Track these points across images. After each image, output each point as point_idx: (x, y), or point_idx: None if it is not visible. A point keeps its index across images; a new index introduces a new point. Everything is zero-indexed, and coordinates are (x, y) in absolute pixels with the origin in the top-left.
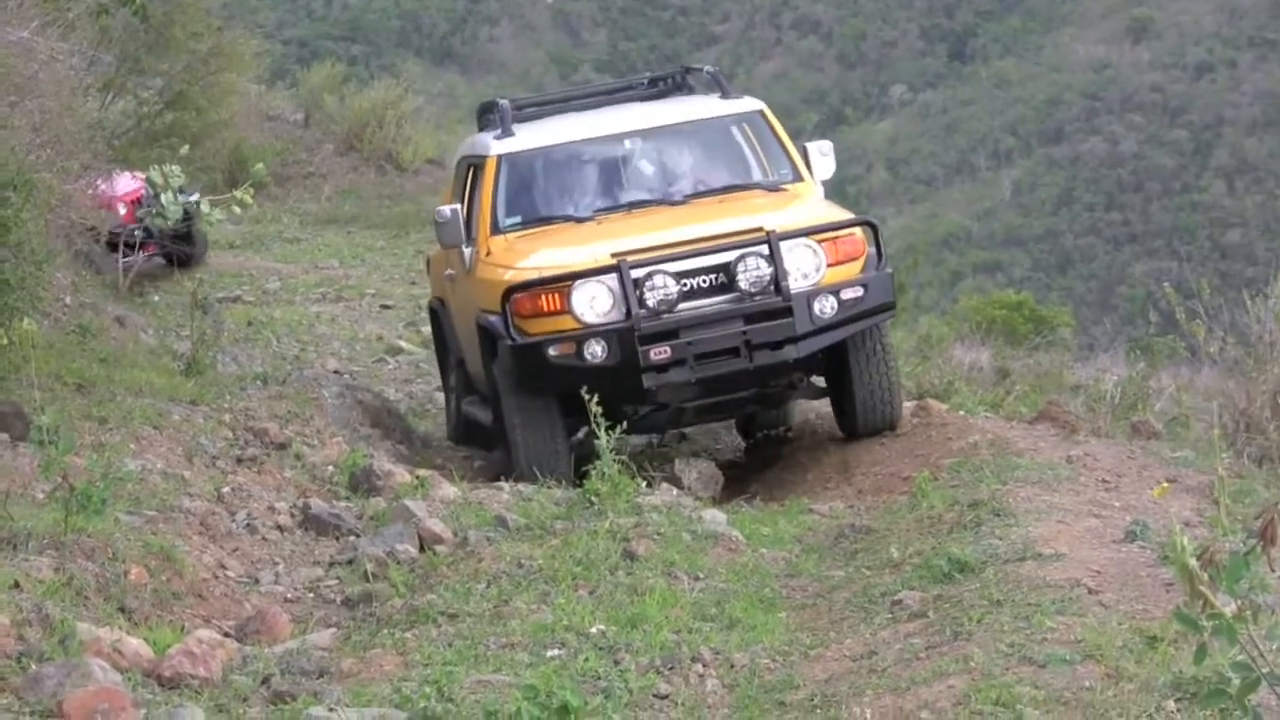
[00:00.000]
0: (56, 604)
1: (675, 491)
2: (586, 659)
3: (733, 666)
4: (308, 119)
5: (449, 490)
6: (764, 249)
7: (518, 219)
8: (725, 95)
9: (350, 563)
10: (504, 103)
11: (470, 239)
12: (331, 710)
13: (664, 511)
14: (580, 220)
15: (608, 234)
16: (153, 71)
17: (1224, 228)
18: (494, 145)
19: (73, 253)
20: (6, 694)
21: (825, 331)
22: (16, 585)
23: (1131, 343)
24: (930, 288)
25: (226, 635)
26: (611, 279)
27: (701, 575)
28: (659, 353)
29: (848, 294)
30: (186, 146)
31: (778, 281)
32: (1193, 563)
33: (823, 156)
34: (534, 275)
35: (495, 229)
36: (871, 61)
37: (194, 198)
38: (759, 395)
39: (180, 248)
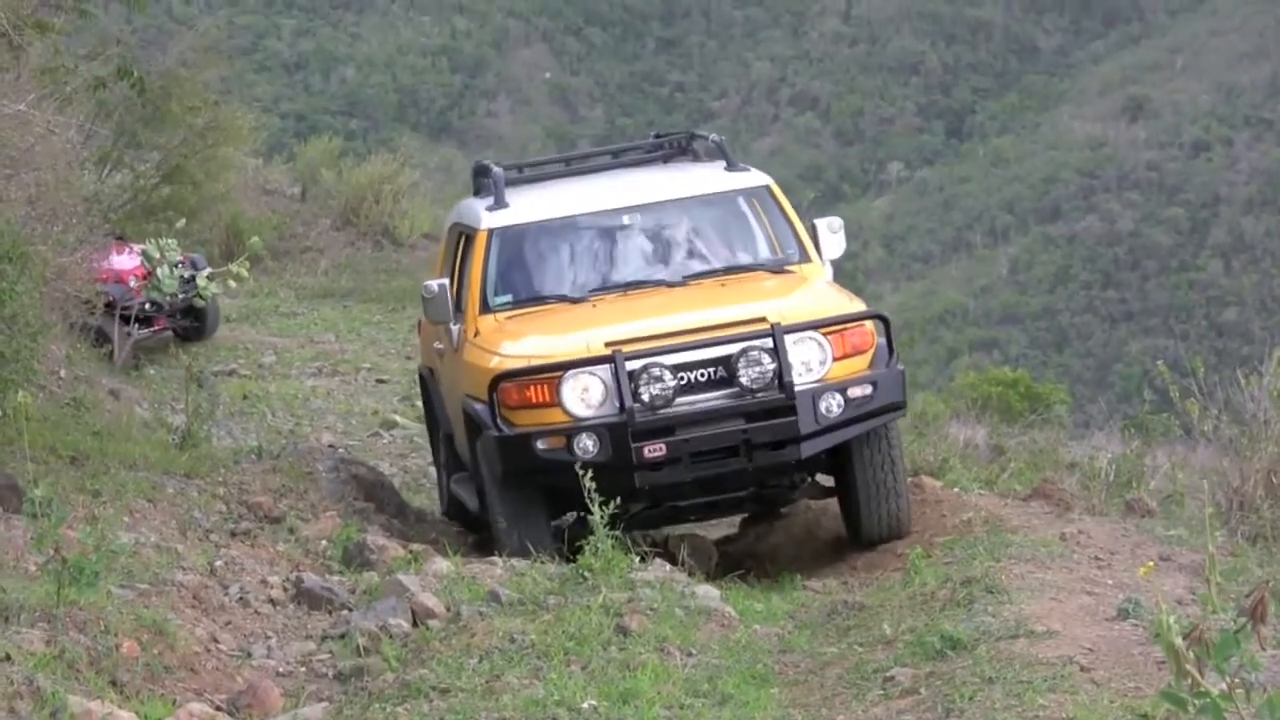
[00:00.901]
0: (48, 676)
1: (668, 567)
2: None
3: None
4: (305, 193)
5: (442, 565)
6: (767, 342)
7: (508, 298)
8: (731, 166)
9: (343, 637)
10: (497, 170)
11: (459, 315)
12: None
13: (657, 587)
14: (574, 301)
15: (602, 319)
16: (149, 145)
17: (1220, 306)
18: (485, 218)
19: (68, 325)
20: None
21: (830, 431)
22: (8, 658)
23: (1127, 420)
24: (926, 365)
25: (218, 709)
26: (605, 370)
27: (694, 651)
28: (653, 450)
29: (855, 392)
30: (183, 220)
31: (781, 378)
32: (1179, 641)
33: (832, 234)
34: (522, 364)
35: (485, 307)
36: (869, 138)
37: (205, 271)
38: (758, 495)
39: (189, 323)
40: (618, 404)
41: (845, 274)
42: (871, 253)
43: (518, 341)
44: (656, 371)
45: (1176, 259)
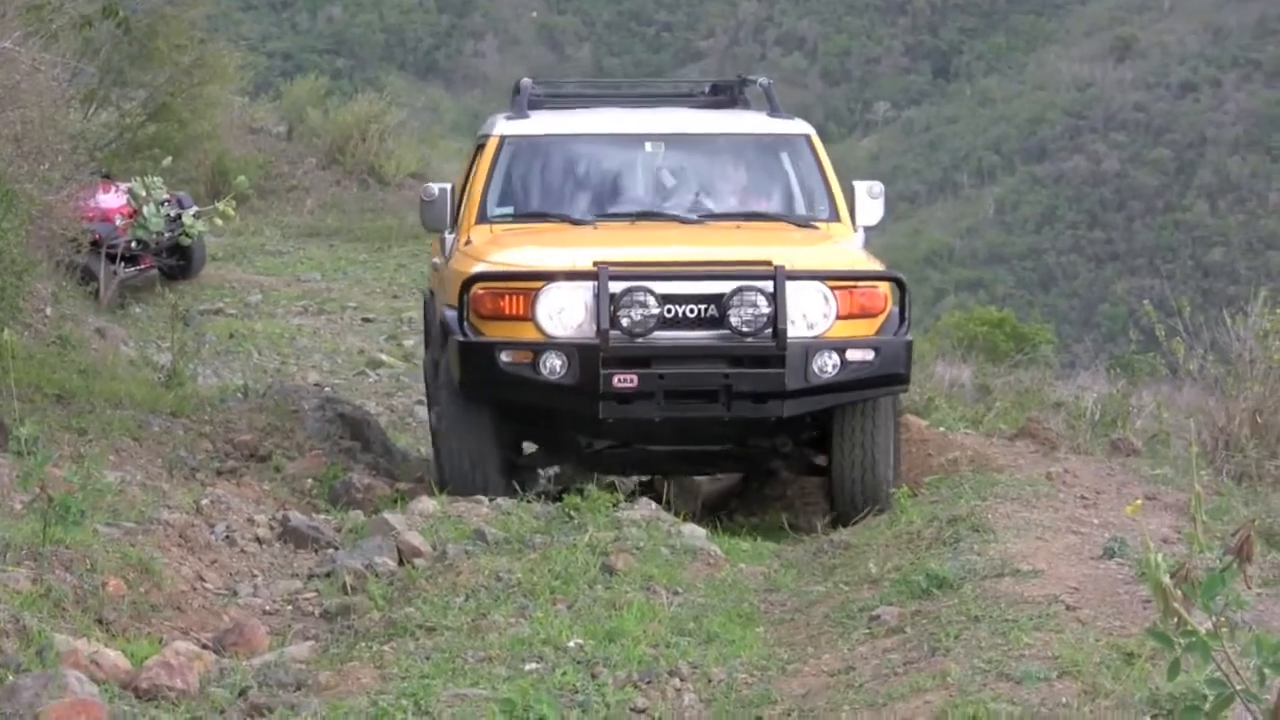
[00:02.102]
0: (34, 615)
1: (654, 506)
2: (564, 673)
3: (710, 681)
4: (291, 132)
5: (428, 504)
6: (766, 285)
7: (509, 210)
8: (773, 112)
9: (329, 575)
10: (526, 81)
11: (456, 225)
12: None
13: (643, 526)
14: (577, 223)
15: (601, 241)
16: (135, 83)
17: (1206, 246)
18: (501, 125)
19: (54, 264)
20: None
21: (820, 393)
22: None
23: (1112, 360)
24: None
25: (204, 647)
26: (586, 288)
27: (680, 590)
28: (624, 380)
29: (855, 355)
30: (169, 158)
31: (775, 324)
32: (1166, 580)
33: (871, 199)
34: (501, 269)
35: (482, 216)
36: (855, 78)
37: (191, 209)
38: (738, 455)
39: (175, 261)
40: (595, 327)
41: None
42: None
43: (504, 250)
44: (640, 296)
45: (1162, 199)
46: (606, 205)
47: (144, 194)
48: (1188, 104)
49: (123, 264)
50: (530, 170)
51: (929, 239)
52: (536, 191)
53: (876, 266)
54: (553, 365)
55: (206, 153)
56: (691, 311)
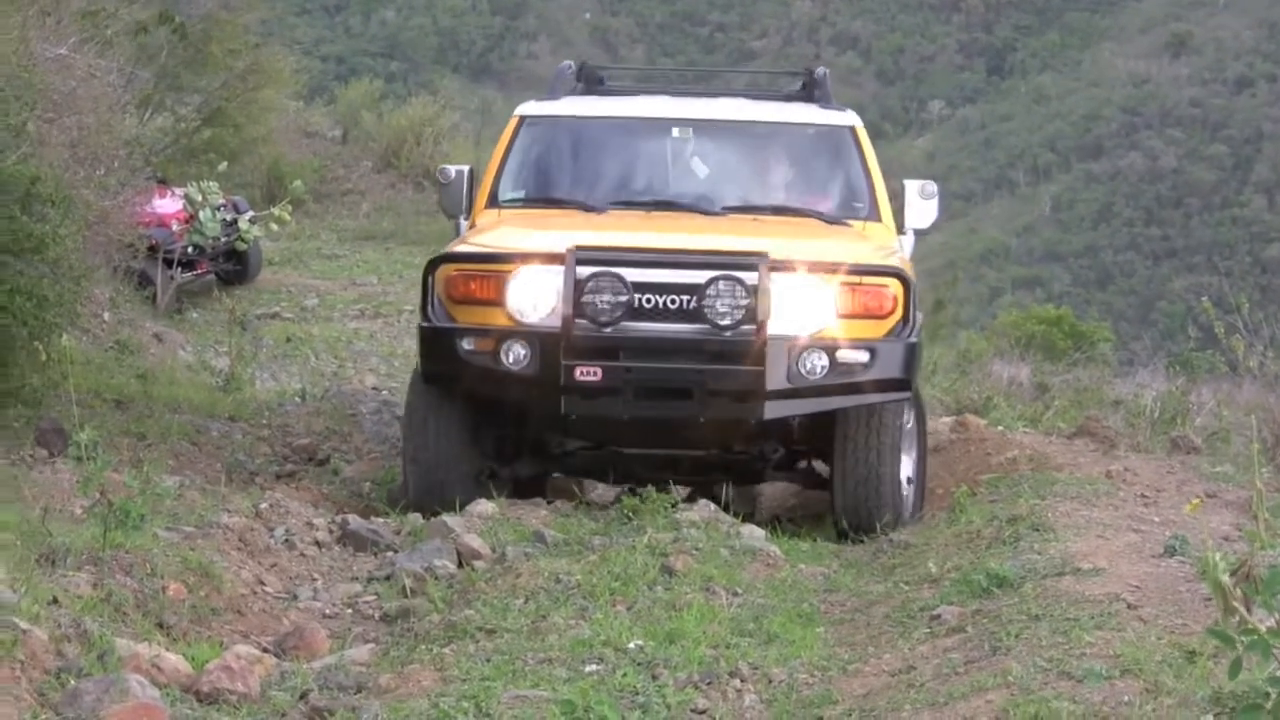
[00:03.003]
0: (95, 620)
1: (713, 507)
2: (624, 674)
3: (770, 682)
4: (346, 135)
5: (486, 506)
6: (748, 276)
7: (521, 194)
8: (823, 103)
9: (388, 578)
10: (565, 65)
11: (469, 209)
12: None
13: (702, 527)
14: (590, 210)
15: (595, 228)
16: (191, 88)
17: (1264, 242)
18: (524, 106)
19: (111, 269)
20: (46, 709)
21: (806, 396)
22: (55, 601)
23: (1171, 358)
24: (969, 303)
25: (265, 651)
26: (557, 273)
27: (739, 590)
28: (586, 373)
29: (847, 356)
30: (225, 163)
31: (756, 318)
32: (1225, 578)
33: (922, 200)
34: (469, 251)
35: (493, 201)
36: (910, 77)
37: (247, 214)
38: (724, 463)
39: (231, 266)
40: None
41: (922, 235)
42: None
43: (492, 233)
44: (609, 282)
45: (1219, 195)
46: (624, 192)
47: (200, 199)
48: (1244, 99)
49: (179, 269)
50: (548, 153)
51: (985, 237)
52: (552, 176)
53: (890, 263)
54: (516, 354)
55: (262, 157)
56: (670, 303)
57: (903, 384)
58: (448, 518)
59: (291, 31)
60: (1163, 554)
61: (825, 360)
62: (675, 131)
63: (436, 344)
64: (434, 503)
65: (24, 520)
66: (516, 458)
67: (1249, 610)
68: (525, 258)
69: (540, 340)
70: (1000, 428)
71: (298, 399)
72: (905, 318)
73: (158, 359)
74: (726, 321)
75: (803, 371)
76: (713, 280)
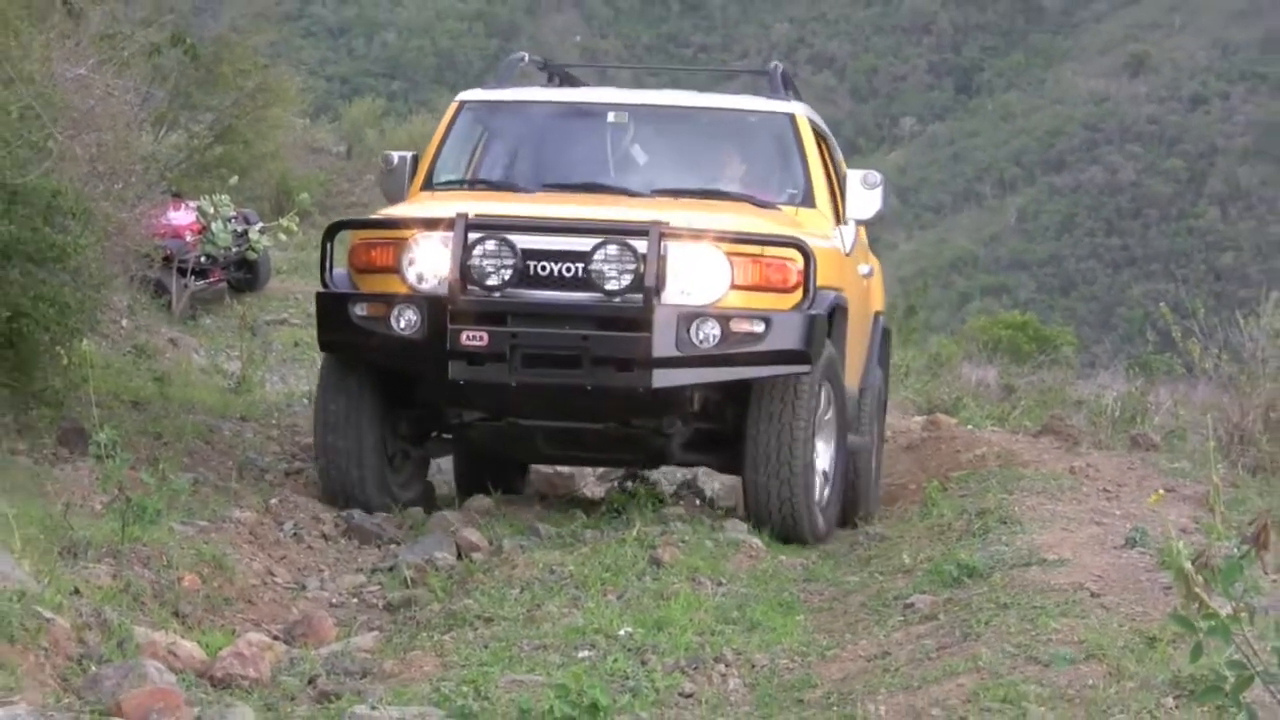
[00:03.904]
0: (114, 609)
1: (698, 501)
2: (615, 660)
3: (754, 666)
4: (350, 151)
5: (484, 501)
6: (637, 243)
7: (456, 176)
8: (772, 94)
9: (391, 570)
10: (517, 55)
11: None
12: (374, 708)
13: (688, 520)
14: (519, 191)
15: (513, 201)
16: (203, 106)
17: (1218, 251)
18: (465, 93)
19: (129, 278)
20: (68, 694)
21: (696, 366)
22: (77, 591)
23: (1130, 360)
24: (940, 309)
25: (275, 638)
26: (445, 239)
27: (724, 581)
28: (472, 338)
29: (740, 326)
30: (235, 177)
31: (643, 284)
32: (1188, 566)
33: (865, 189)
34: (366, 218)
35: (428, 183)
36: (882, 95)
37: (257, 225)
38: (624, 437)
39: (242, 274)
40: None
41: (867, 227)
42: (886, 204)
43: (403, 206)
44: (495, 248)
45: (1176, 207)
46: (557, 176)
47: (212, 211)
48: (1198, 116)
49: (193, 277)
50: (485, 138)
51: (954, 247)
52: (488, 160)
53: (791, 233)
54: (407, 319)
55: (270, 172)
56: (565, 270)
57: (801, 356)
58: (447, 512)
59: (298, 53)
60: (1124, 545)
61: (718, 329)
62: (611, 116)
63: (331, 310)
64: (346, 495)
65: (47, 515)
66: (426, 438)
67: (1208, 597)
68: (420, 224)
69: (429, 305)
70: (969, 426)
71: (305, 400)
72: (807, 290)
73: (173, 363)
74: (614, 287)
75: (694, 340)
76: (599, 245)
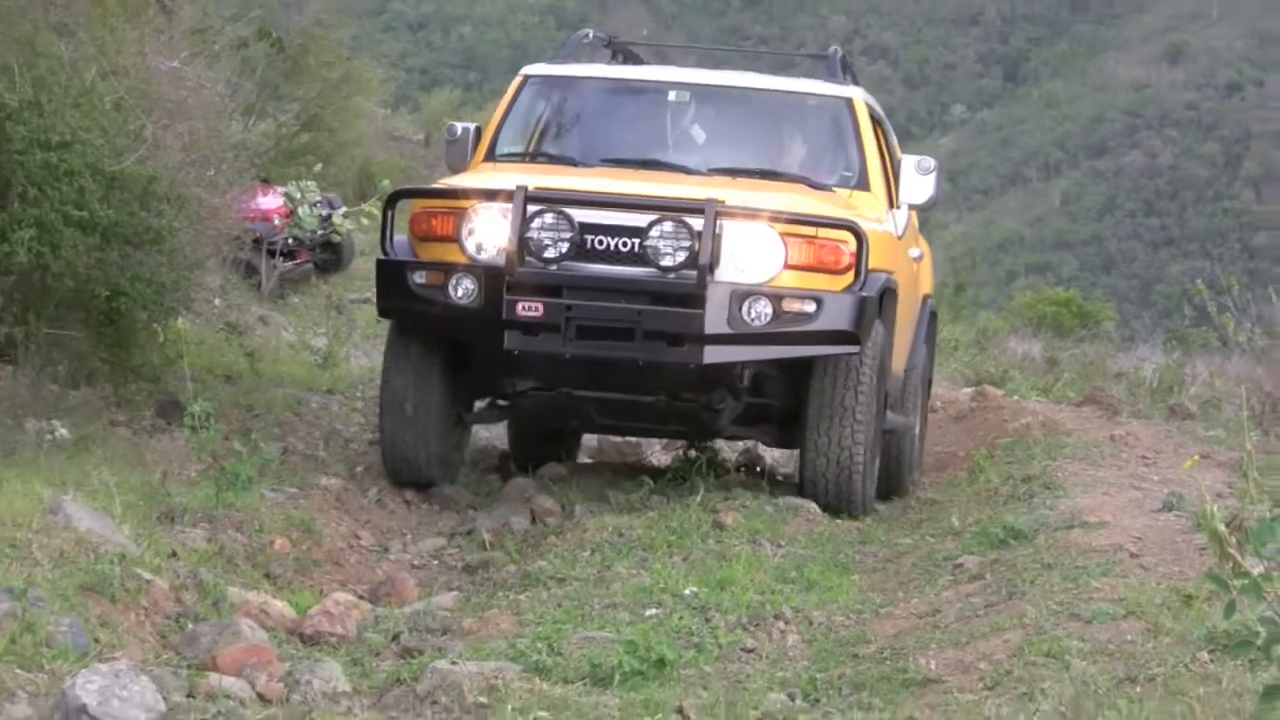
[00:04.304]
0: (209, 571)
1: (758, 468)
2: (680, 617)
3: (811, 623)
4: (428, 139)
5: (557, 469)
6: (694, 221)
7: (518, 149)
8: (829, 77)
9: (469, 534)
10: (582, 32)
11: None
12: (454, 664)
13: (749, 487)
14: (578, 165)
15: (573, 175)
16: (289, 97)
17: (1252, 231)
18: (530, 67)
19: (221, 259)
20: (167, 650)
21: (747, 344)
22: (174, 554)
23: (1168, 334)
24: (987, 286)
25: (360, 598)
26: (506, 209)
27: (783, 543)
28: (528, 308)
29: (792, 305)
30: (320, 164)
31: (697, 261)
32: (1222, 528)
33: (920, 175)
34: (426, 187)
35: (490, 155)
36: (934, 83)
37: (341, 209)
38: (673, 410)
39: (327, 256)
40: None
41: (922, 211)
42: (939, 189)
43: (464, 177)
44: (554, 221)
45: (1212, 189)
46: (616, 151)
47: (299, 196)
48: (1234, 102)
49: (281, 259)
50: (547, 112)
51: (1001, 227)
52: (549, 133)
53: (846, 216)
54: (465, 289)
55: (353, 158)
56: (622, 245)
57: (851, 337)
58: (521, 479)
59: (379, 46)
60: (1161, 509)
61: (770, 308)
62: (672, 95)
63: (390, 278)
64: (410, 475)
65: (146, 483)
66: (481, 402)
67: (1242, 557)
68: (480, 195)
69: (486, 274)
70: (1015, 397)
71: None
72: (859, 272)
73: (263, 339)
74: (669, 263)
75: (746, 318)
76: (655, 222)
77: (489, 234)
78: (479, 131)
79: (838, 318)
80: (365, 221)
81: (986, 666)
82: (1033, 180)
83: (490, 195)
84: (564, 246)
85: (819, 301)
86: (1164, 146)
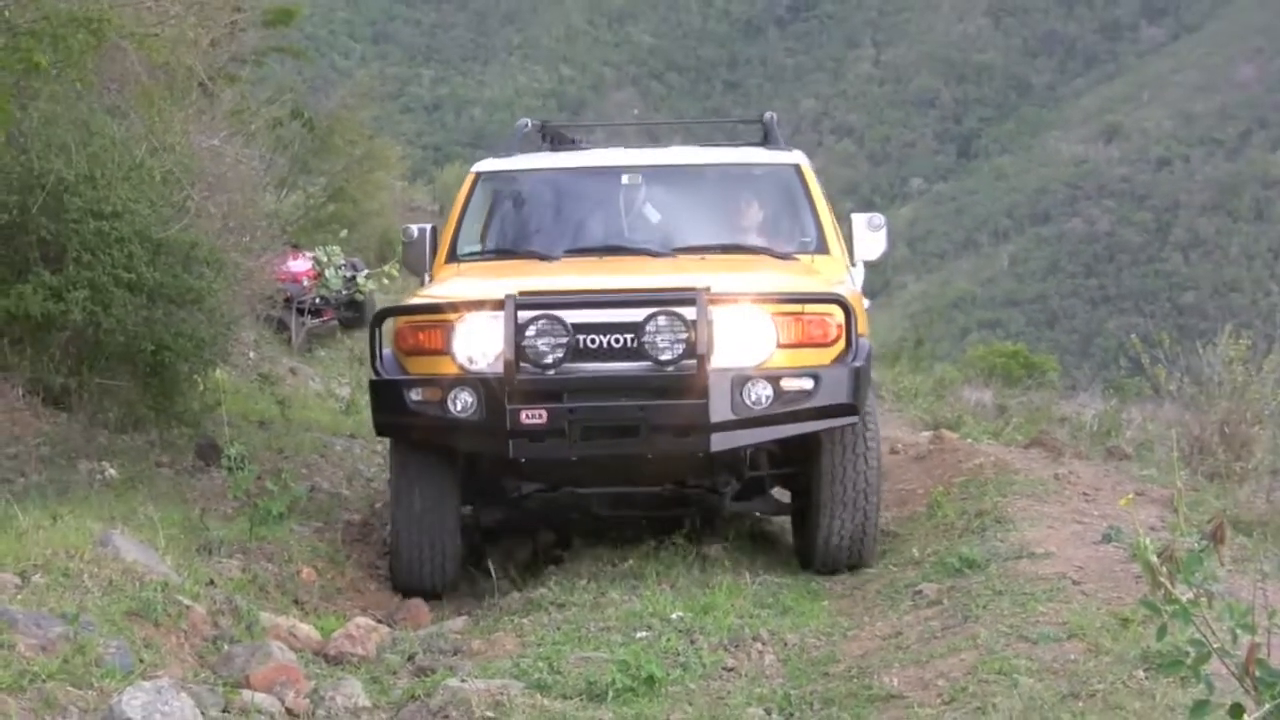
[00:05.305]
0: (244, 597)
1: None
2: (668, 639)
3: (786, 645)
4: (441, 209)
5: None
6: (687, 311)
7: (478, 248)
8: (769, 144)
9: (478, 565)
10: (523, 122)
11: (430, 265)
12: (463, 681)
13: (730, 522)
14: (543, 258)
15: (549, 273)
16: (318, 171)
17: (1181, 290)
18: (479, 164)
19: (255, 316)
20: (204, 669)
21: (753, 426)
22: (211, 582)
23: (1106, 383)
24: (944, 340)
25: (379, 622)
26: (497, 319)
27: (761, 572)
28: (531, 416)
29: (790, 384)
30: (345, 231)
31: (696, 352)
32: (1154, 559)
33: (871, 231)
34: (412, 303)
35: (451, 256)
36: (895, 159)
37: (364, 272)
38: (680, 497)
39: (351, 314)
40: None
41: (875, 269)
42: (898, 251)
43: (441, 285)
44: (548, 325)
45: (1145, 253)
46: (577, 240)
47: (325, 260)
48: (1164, 175)
49: (309, 316)
50: (502, 208)
51: (956, 287)
52: (507, 229)
53: (831, 290)
54: (463, 402)
55: (375, 226)
56: (614, 342)
57: (849, 409)
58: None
59: (398, 125)
60: (1101, 541)
61: (770, 390)
62: (625, 179)
63: (385, 396)
64: (422, 589)
65: (186, 518)
66: (486, 503)
67: (1172, 585)
68: (468, 306)
69: (485, 386)
70: (969, 440)
71: None
72: (849, 344)
73: (293, 388)
74: (667, 357)
75: (747, 402)
76: (651, 316)
77: (481, 344)
78: (435, 232)
79: (835, 391)
80: (386, 282)
81: (944, 684)
82: (984, 245)
83: (478, 305)
84: (560, 352)
85: (816, 378)
86: (1101, 215)
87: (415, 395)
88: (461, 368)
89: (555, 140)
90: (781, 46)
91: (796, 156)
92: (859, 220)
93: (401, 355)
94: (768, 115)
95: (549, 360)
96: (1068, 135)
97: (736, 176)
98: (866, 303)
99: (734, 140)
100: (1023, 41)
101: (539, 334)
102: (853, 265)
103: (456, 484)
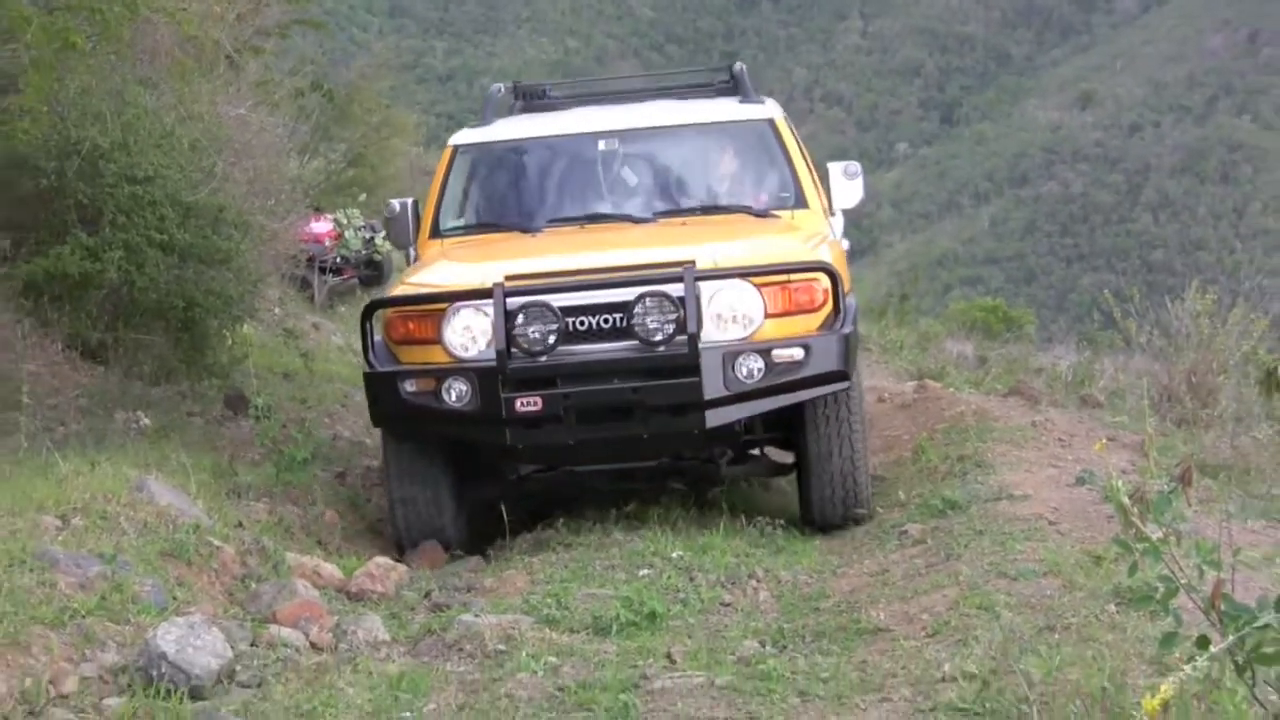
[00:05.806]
0: (270, 538)
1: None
2: (669, 577)
3: (779, 582)
4: None
5: None
6: (674, 289)
7: (460, 222)
8: (744, 98)
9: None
10: (495, 88)
11: (415, 240)
12: (477, 616)
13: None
14: (526, 231)
15: (534, 251)
16: (338, 138)
17: (1150, 249)
18: (456, 135)
19: (280, 275)
20: (234, 606)
21: (747, 400)
22: (240, 524)
23: (1080, 336)
24: (927, 296)
25: (398, 561)
26: (488, 307)
27: (756, 514)
28: (527, 404)
29: (781, 355)
30: (364, 195)
31: (685, 329)
32: (1126, 501)
33: (847, 180)
34: (402, 293)
35: (435, 231)
36: (882, 125)
37: (381, 233)
38: (677, 469)
39: (370, 272)
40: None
41: (864, 230)
42: (884, 212)
43: (429, 269)
44: (537, 312)
45: (1117, 214)
46: (559, 210)
47: (346, 222)
48: (1135, 140)
49: (331, 275)
50: (482, 179)
51: (939, 247)
52: (488, 201)
53: (810, 257)
54: (458, 391)
55: (391, 190)
56: (604, 322)
57: (840, 375)
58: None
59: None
60: (1075, 484)
61: (761, 363)
62: (601, 144)
63: (379, 389)
64: (424, 539)
65: (216, 464)
66: (482, 480)
67: (1143, 525)
68: (456, 297)
69: (479, 376)
70: (952, 389)
71: None
72: (836, 308)
73: (315, 343)
74: (658, 337)
75: (740, 376)
76: (640, 297)
77: (472, 332)
78: (417, 206)
79: (826, 360)
80: None
81: (928, 617)
82: (965, 206)
83: (466, 295)
84: (551, 337)
85: (807, 348)
86: (1076, 178)
87: (409, 386)
88: (454, 356)
89: (529, 97)
90: (774, 19)
91: (770, 109)
92: (835, 169)
93: (393, 345)
94: (738, 66)
95: (540, 347)
96: (1045, 103)
97: (711, 134)
98: (845, 244)
99: (708, 86)
100: (1002, 14)
101: (528, 321)
102: (832, 214)
103: (449, 466)
